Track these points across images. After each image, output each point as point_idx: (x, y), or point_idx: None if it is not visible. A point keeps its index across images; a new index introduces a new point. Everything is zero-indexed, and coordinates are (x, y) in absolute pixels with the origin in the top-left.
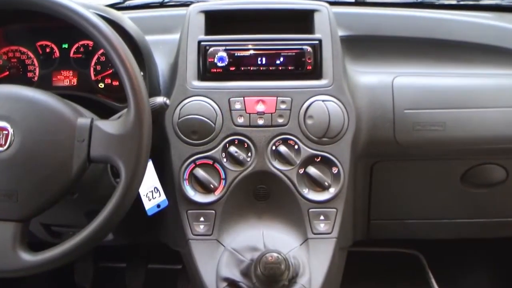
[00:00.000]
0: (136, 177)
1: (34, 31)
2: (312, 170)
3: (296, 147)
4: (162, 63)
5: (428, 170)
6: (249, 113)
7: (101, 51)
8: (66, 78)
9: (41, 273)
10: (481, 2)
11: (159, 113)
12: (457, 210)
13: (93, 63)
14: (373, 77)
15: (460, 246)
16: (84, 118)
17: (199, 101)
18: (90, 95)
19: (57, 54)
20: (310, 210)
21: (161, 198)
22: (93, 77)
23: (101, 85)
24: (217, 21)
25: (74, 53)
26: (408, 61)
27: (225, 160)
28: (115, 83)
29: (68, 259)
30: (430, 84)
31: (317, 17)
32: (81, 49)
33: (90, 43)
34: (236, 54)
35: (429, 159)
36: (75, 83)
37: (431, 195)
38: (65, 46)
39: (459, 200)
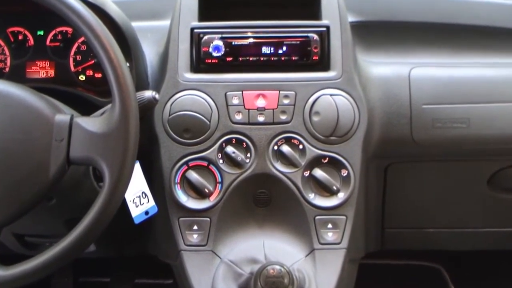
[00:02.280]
0: (122, 181)
1: (4, 15)
2: (318, 172)
3: (300, 147)
4: (150, 53)
5: (450, 172)
6: (248, 109)
7: (82, 39)
8: (42, 69)
9: None
10: None
11: (147, 109)
12: (483, 218)
13: (72, 53)
14: (387, 68)
15: (486, 258)
16: (63, 114)
17: (192, 95)
18: (70, 88)
19: (31, 42)
20: (317, 217)
21: (149, 204)
22: (72, 69)
23: (82, 78)
24: (212, 6)
25: (51, 41)
26: (427, 50)
27: (221, 161)
28: (98, 75)
29: (44, 274)
30: (452, 76)
31: (324, 0)
32: (59, 37)
33: (69, 30)
34: (233, 43)
35: (450, 160)
36: (52, 75)
37: (454, 201)
38: (41, 33)
39: (485, 207)
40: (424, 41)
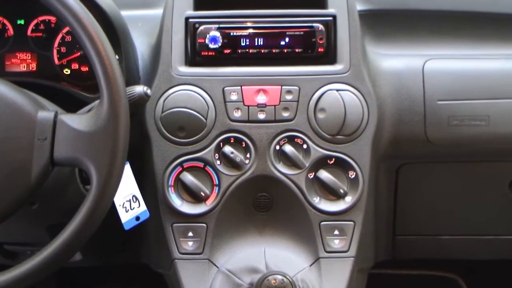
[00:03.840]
0: (111, 184)
1: None
2: (324, 174)
3: (304, 146)
4: (141, 45)
5: (468, 174)
6: (248, 106)
7: (67, 29)
8: (23, 62)
9: None
10: None
11: (138, 105)
12: (505, 224)
13: (56, 44)
14: (399, 61)
15: (507, 268)
16: (46, 111)
17: (187, 91)
18: (53, 83)
19: (11, 32)
20: (322, 223)
21: (140, 208)
22: (56, 61)
23: (67, 71)
24: None
25: (33, 31)
26: (442, 41)
27: (218, 162)
28: (84, 68)
29: (24, 285)
30: (470, 69)
31: None
32: (41, 27)
33: (53, 19)
34: (231, 34)
35: (468, 161)
36: (35, 68)
37: (472, 206)
38: (21, 22)
39: (506, 212)
40: (439, 31)
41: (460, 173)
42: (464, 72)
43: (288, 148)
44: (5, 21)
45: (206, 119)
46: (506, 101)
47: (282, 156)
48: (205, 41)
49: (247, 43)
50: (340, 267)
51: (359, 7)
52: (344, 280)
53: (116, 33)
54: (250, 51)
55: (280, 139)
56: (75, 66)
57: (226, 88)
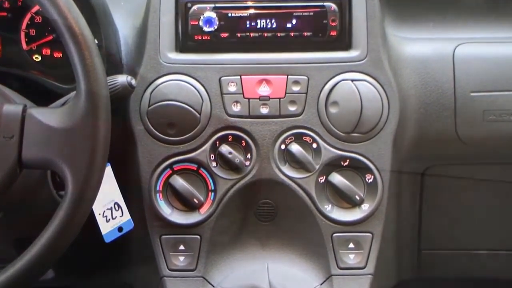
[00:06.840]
0: (89, 189)
1: None
2: (337, 178)
3: (314, 146)
4: (125, 27)
5: (506, 178)
6: (248, 99)
7: (36, 8)
8: None
9: None
10: None
11: (121, 97)
12: None
13: (24, 26)
14: (425, 45)
15: None
16: (13, 104)
17: (178, 81)
18: (21, 71)
19: None
20: (335, 235)
21: (123, 218)
22: (25, 46)
23: (37, 58)
24: None
25: None
26: (476, 22)
27: (214, 164)
28: (57, 54)
29: None
30: (509, 54)
31: None
32: (6, 5)
33: None
34: (229, 15)
35: (506, 163)
36: None
37: (510, 216)
38: None
39: None
40: (472, 10)
41: (497, 177)
42: (501, 58)
43: (295, 148)
44: None
45: (200, 114)
46: None
47: (288, 157)
48: (198, 23)
49: (248, 25)
50: (355, 286)
51: None
52: None
53: (94, 13)
54: (251, 35)
55: (286, 137)
56: (46, 51)
57: (223, 78)
